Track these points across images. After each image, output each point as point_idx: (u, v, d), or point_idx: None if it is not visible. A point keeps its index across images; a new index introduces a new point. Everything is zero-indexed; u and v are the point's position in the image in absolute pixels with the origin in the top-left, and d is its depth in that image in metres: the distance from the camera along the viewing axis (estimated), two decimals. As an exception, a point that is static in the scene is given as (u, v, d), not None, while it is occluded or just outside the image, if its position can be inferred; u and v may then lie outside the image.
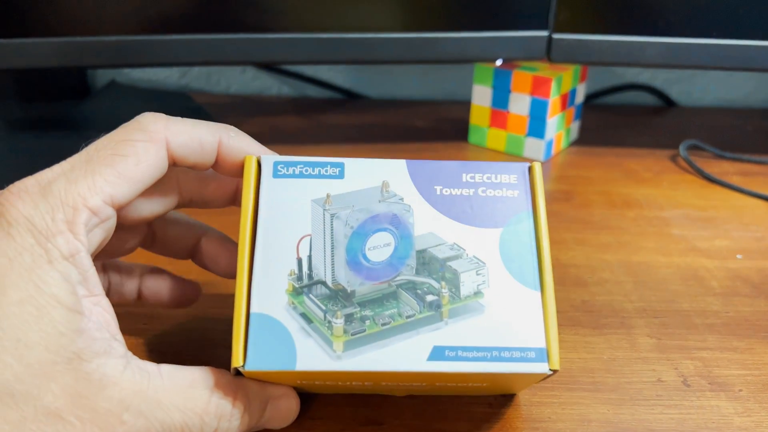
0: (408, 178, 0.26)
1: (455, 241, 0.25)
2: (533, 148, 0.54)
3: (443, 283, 0.24)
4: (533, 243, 0.25)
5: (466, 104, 0.61)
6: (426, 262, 0.24)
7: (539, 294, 0.24)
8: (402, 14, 0.48)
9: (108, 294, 0.29)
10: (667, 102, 0.72)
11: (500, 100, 0.55)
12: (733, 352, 0.33)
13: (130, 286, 0.29)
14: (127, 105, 0.62)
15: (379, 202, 0.25)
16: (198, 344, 0.32)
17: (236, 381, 0.24)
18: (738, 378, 0.31)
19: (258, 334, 0.23)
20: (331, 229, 0.25)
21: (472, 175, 0.26)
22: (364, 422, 0.28)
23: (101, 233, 0.23)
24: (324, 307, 0.24)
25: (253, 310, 0.23)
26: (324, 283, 0.24)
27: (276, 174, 0.25)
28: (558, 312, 0.35)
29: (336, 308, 0.24)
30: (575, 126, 0.59)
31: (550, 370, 0.23)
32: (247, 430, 0.25)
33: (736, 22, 0.49)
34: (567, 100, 0.55)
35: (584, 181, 0.52)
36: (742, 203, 0.49)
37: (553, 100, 0.53)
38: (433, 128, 0.62)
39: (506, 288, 0.24)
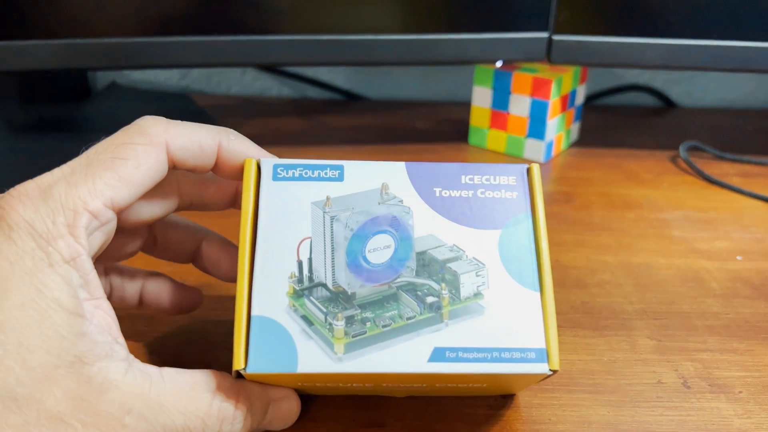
0: (407, 180, 0.26)
1: (455, 242, 0.25)
2: (533, 149, 0.54)
3: (443, 284, 0.24)
4: (532, 244, 0.25)
5: (466, 105, 0.61)
6: (426, 264, 0.24)
7: (539, 295, 0.24)
8: (402, 16, 0.48)
9: (109, 298, 0.29)
10: (667, 103, 0.72)
11: (500, 101, 0.55)
12: (733, 353, 0.33)
13: (131, 290, 0.29)
14: (128, 106, 0.62)
15: (379, 204, 0.25)
16: (199, 347, 0.32)
17: (238, 383, 0.24)
18: (738, 380, 0.31)
19: (259, 336, 0.23)
20: (331, 232, 0.25)
21: (471, 176, 0.26)
22: (365, 424, 0.28)
23: (102, 236, 0.23)
24: (325, 310, 0.24)
25: (254, 312, 0.23)
26: (324, 286, 0.24)
27: (276, 177, 0.25)
28: (558, 314, 0.35)
29: (337, 310, 0.24)
30: (575, 127, 0.59)
31: (550, 370, 0.23)
32: (248, 432, 0.25)
33: (736, 24, 0.49)
34: (567, 101, 0.55)
35: (584, 182, 0.52)
36: (743, 204, 0.49)
37: (554, 101, 0.53)
38: (433, 129, 0.62)
39: (506, 289, 0.24)
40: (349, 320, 0.24)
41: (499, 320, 0.24)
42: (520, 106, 0.54)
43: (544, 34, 0.50)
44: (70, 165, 0.23)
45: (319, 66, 0.69)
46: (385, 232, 0.25)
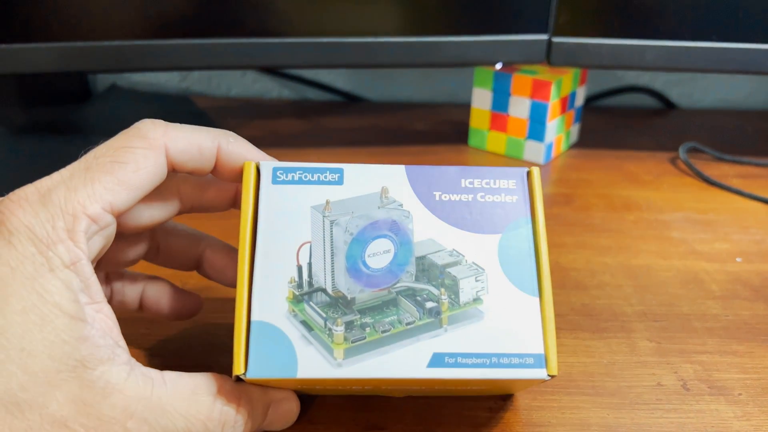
0: (407, 183, 0.26)
1: (454, 247, 0.25)
2: (533, 151, 0.54)
3: (442, 289, 0.24)
4: (532, 249, 0.25)
5: (466, 107, 0.61)
6: (425, 269, 0.25)
7: (538, 300, 0.24)
8: (402, 18, 0.48)
9: (110, 302, 0.29)
10: (667, 104, 0.72)
11: (500, 103, 0.55)
12: (733, 355, 0.33)
13: (131, 294, 0.29)
14: (128, 109, 0.62)
15: (379, 208, 0.25)
16: (200, 350, 0.32)
17: (239, 386, 0.24)
18: (737, 382, 0.31)
19: (259, 341, 0.23)
20: (331, 236, 0.25)
21: (471, 180, 0.26)
22: (365, 426, 0.28)
23: (101, 240, 0.23)
24: (324, 315, 0.24)
25: (253, 317, 0.23)
26: (324, 291, 0.24)
27: (275, 180, 0.25)
28: (558, 316, 0.35)
29: (336, 316, 0.24)
30: (575, 129, 0.59)
31: (549, 375, 0.23)
32: (248, 434, 0.25)
33: (736, 26, 0.49)
34: (567, 103, 0.55)
35: (584, 183, 0.52)
36: (742, 206, 0.49)
37: (553, 103, 0.53)
38: (433, 131, 0.62)
39: (505, 294, 0.24)
40: (349, 325, 0.24)
41: (498, 325, 0.24)
42: (519, 107, 0.54)
43: (544, 36, 0.50)
44: (69, 169, 0.23)
45: (319, 68, 0.69)
46: (384, 236, 0.25)
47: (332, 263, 0.24)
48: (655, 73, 0.71)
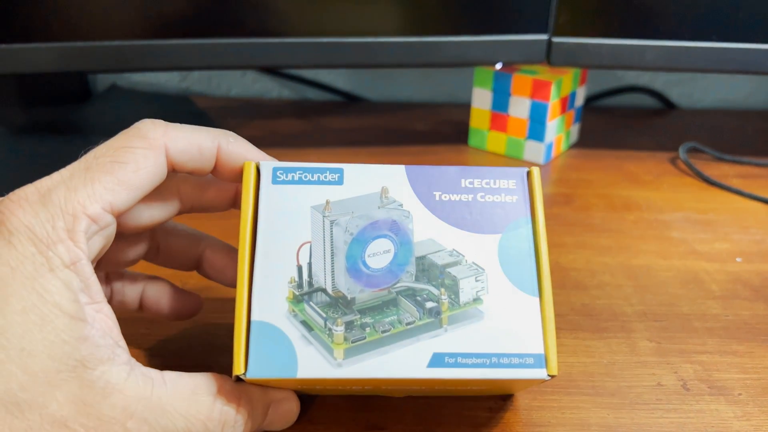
0: (407, 183, 0.26)
1: (454, 247, 0.25)
2: (533, 151, 0.54)
3: (443, 289, 0.24)
4: (532, 249, 0.25)
5: (466, 107, 0.61)
6: (425, 269, 0.25)
7: (538, 300, 0.24)
8: (403, 18, 0.48)
9: (110, 302, 0.29)
10: (667, 104, 0.72)
11: (500, 103, 0.55)
12: (733, 355, 0.33)
13: (131, 294, 0.29)
14: (128, 108, 0.62)
15: (379, 208, 0.25)
16: (200, 350, 0.32)
17: (239, 386, 0.24)
18: (737, 382, 0.31)
19: (259, 341, 0.23)
20: (331, 236, 0.25)
21: (471, 180, 0.26)
22: (365, 427, 0.28)
23: (101, 240, 0.23)
24: (324, 315, 0.24)
25: (253, 317, 0.23)
26: (324, 291, 0.24)
27: (275, 180, 0.25)
28: (558, 316, 0.35)
29: (336, 316, 0.24)
30: (575, 129, 0.59)
31: (549, 375, 0.23)
32: (248, 434, 0.25)
33: (736, 26, 0.49)
34: (567, 103, 0.55)
35: (584, 183, 0.52)
36: (742, 206, 0.49)
37: (553, 103, 0.53)
38: (433, 131, 0.62)
39: (505, 294, 0.24)
40: (349, 325, 0.24)
41: (498, 325, 0.24)
42: (519, 107, 0.54)
43: (544, 36, 0.50)
44: (69, 169, 0.23)
45: (319, 68, 0.69)
46: (384, 236, 0.25)
47: (332, 263, 0.24)
48: (655, 73, 0.71)
